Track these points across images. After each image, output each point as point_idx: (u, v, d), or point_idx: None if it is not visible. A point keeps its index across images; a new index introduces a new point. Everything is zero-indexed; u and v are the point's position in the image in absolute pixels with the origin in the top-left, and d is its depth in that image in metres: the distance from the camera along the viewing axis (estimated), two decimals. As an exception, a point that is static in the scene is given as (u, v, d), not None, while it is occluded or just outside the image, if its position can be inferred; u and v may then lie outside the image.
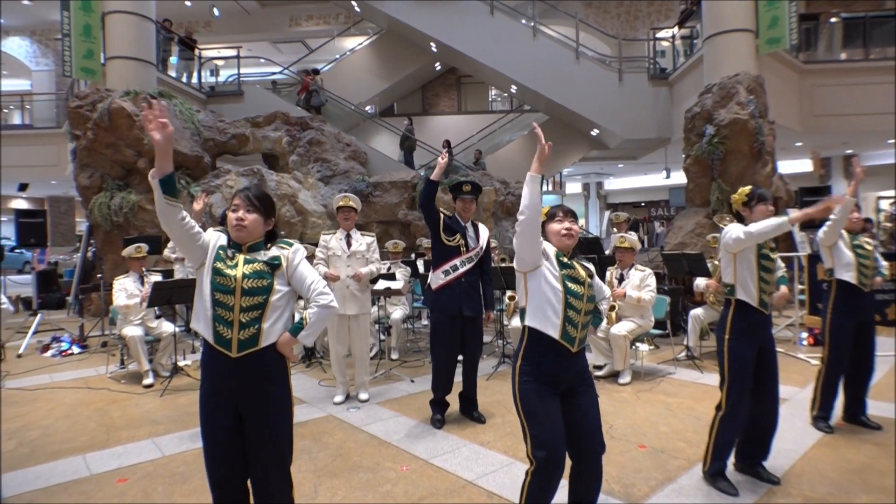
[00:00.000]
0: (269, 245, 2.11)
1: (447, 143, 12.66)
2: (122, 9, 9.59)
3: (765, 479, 2.88)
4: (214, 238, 2.06)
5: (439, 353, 3.96)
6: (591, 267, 2.31)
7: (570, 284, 2.13)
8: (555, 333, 2.10)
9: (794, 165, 14.19)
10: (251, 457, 2.02)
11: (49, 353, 6.39)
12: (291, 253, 2.09)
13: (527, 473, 2.11)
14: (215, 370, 2.00)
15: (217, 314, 1.95)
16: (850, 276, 3.60)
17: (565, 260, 2.18)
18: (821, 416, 3.71)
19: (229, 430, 2.00)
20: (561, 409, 2.13)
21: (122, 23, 9.65)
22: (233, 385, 1.99)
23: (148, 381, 5.02)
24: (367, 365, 4.61)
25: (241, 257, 2.02)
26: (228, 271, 1.97)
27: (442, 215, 3.94)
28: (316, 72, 13.12)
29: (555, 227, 2.23)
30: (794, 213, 2.70)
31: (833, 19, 11.31)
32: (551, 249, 2.19)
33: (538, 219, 2.07)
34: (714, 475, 2.88)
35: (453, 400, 4.09)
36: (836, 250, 3.65)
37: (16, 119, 15.63)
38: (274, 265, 2.03)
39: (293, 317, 2.11)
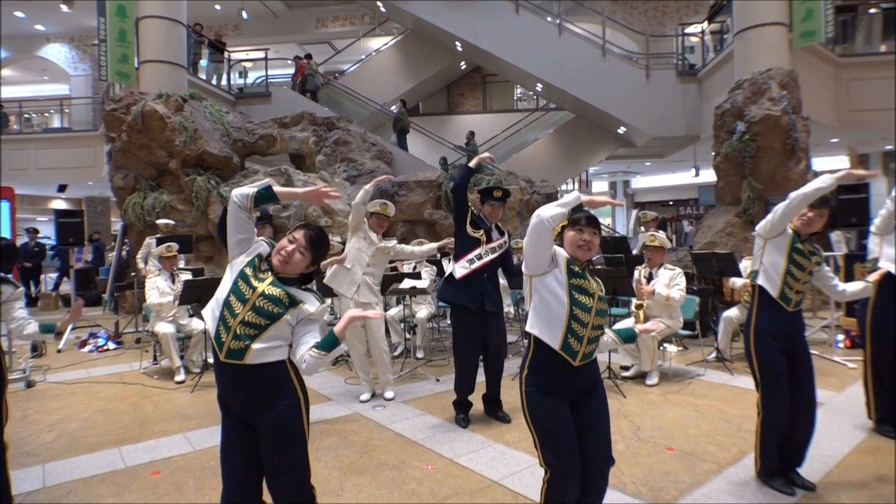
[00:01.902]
0: (301, 285, 2.08)
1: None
2: (155, 13, 9.86)
3: (799, 486, 2.81)
4: (256, 246, 2.08)
5: (462, 351, 3.95)
6: (601, 285, 2.18)
7: (577, 295, 2.03)
8: (555, 344, 2.02)
9: (829, 162, 13.74)
10: (265, 467, 2.01)
11: (86, 348, 6.62)
12: (318, 308, 2.05)
13: (543, 481, 2.09)
14: (216, 367, 2.04)
15: (223, 314, 1.97)
16: (893, 267, 3.43)
17: (577, 269, 2.07)
18: (882, 418, 3.56)
19: (238, 435, 2.01)
20: (571, 414, 2.07)
21: (155, 27, 9.92)
22: (228, 388, 2.01)
23: (179, 377, 5.15)
24: (389, 363, 4.62)
25: (271, 277, 2.02)
26: (253, 281, 1.98)
27: (471, 209, 3.94)
28: (309, 56, 13.39)
29: (573, 235, 2.09)
30: (837, 175, 2.61)
31: (872, 10, 10.90)
32: (562, 256, 2.09)
33: (553, 229, 2.00)
34: (767, 475, 2.85)
35: (477, 399, 4.08)
36: (886, 242, 3.50)
37: (56, 122, 16.20)
38: (295, 302, 2.00)
39: (287, 350, 2.03)
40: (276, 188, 2.07)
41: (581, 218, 2.09)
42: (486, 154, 3.87)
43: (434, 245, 4.68)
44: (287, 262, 2.00)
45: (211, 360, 5.58)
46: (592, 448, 2.06)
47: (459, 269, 3.88)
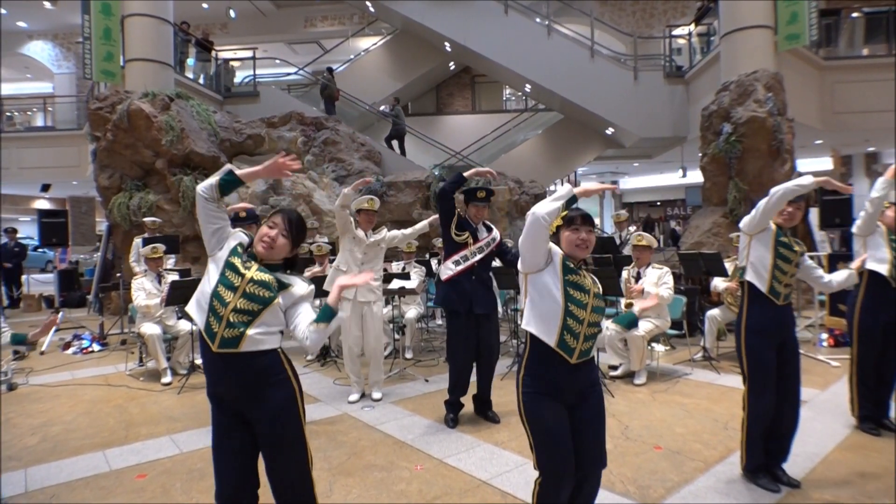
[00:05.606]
0: (286, 270, 2.11)
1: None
2: (141, 11, 9.74)
3: (784, 483, 2.84)
4: (234, 237, 2.09)
5: (457, 356, 3.93)
6: (597, 283, 2.18)
7: (572, 292, 2.03)
8: (551, 341, 2.02)
9: (813, 164, 13.93)
10: (264, 459, 2.03)
11: (70, 350, 6.52)
12: (305, 289, 2.08)
13: (535, 483, 2.08)
14: (206, 362, 2.02)
15: (213, 305, 1.98)
16: (882, 269, 3.49)
17: (571, 265, 2.07)
18: (864, 415, 3.62)
19: (230, 431, 2.00)
20: (568, 418, 2.06)
21: (140, 26, 9.79)
22: (221, 381, 1.99)
23: (166, 378, 5.10)
24: (382, 363, 4.61)
25: (257, 265, 2.04)
26: (241, 269, 1.99)
27: (457, 211, 3.94)
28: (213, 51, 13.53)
29: (570, 235, 2.09)
30: (817, 179, 2.73)
31: (855, 14, 11.07)
32: (558, 253, 2.09)
33: (548, 226, 1.99)
34: (753, 471, 2.88)
35: (467, 400, 4.08)
36: (873, 242, 3.55)
37: (38, 121, 15.94)
38: (284, 286, 2.03)
39: (280, 337, 2.06)
40: (238, 171, 2.09)
41: (576, 217, 2.09)
42: (487, 169, 3.82)
43: (424, 222, 4.60)
44: (272, 247, 2.02)
45: (198, 362, 5.53)
46: (587, 450, 2.06)
47: (445, 270, 3.89)
